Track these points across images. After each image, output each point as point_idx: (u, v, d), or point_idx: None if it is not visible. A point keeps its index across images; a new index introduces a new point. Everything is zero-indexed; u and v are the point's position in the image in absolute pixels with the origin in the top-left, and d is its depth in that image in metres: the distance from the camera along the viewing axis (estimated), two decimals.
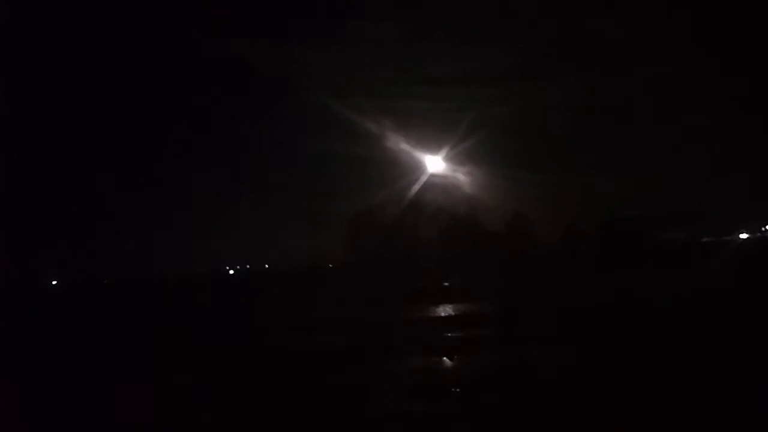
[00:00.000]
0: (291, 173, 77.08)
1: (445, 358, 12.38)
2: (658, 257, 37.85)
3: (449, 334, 15.77)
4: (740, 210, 55.83)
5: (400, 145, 41.87)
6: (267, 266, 68.41)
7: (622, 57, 63.62)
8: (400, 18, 63.17)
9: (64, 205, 74.68)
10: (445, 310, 21.42)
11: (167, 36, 62.72)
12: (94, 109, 73.24)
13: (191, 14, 59.32)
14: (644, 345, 11.64)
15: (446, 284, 33.92)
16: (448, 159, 42.39)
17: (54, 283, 65.32)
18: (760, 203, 54.88)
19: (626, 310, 17.06)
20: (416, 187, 42.95)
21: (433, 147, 44.85)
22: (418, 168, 42.90)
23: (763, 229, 56.91)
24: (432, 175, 43.31)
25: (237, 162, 77.96)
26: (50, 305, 41.42)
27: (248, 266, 71.71)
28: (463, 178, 43.90)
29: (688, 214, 50.06)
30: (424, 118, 59.38)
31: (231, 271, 72.68)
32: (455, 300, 23.91)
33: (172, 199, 78.11)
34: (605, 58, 63.22)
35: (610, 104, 65.63)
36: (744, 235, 54.46)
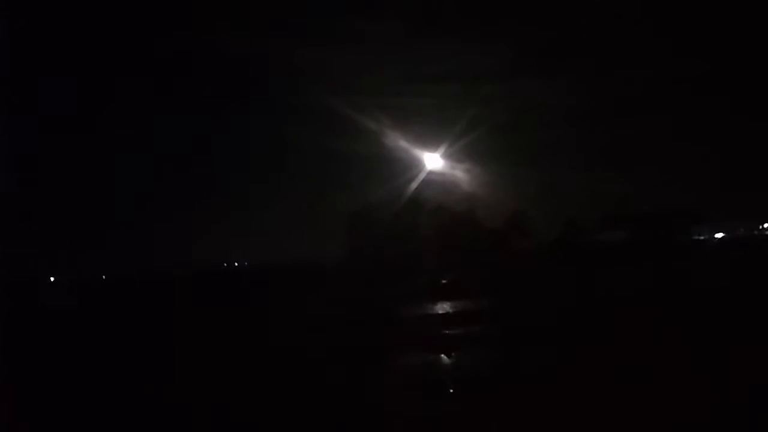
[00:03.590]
0: (289, 171, 76.99)
1: (443, 355, 12.41)
2: (657, 254, 37.96)
3: (447, 332, 15.79)
4: (739, 207, 55.94)
5: (399, 142, 41.74)
6: (265, 263, 68.32)
7: (621, 55, 63.64)
8: (399, 15, 63.09)
9: (64, 202, 74.54)
10: (443, 308, 21.43)
11: (167, 36, 62.59)
12: (94, 108, 73.16)
13: (190, 13, 59.09)
14: (641, 343, 11.66)
15: (444, 281, 33.93)
16: (447, 156, 42.24)
17: (52, 279, 65.17)
18: (758, 201, 54.95)
19: (624, 308, 17.08)
20: (415, 185, 42.88)
21: (431, 144, 44.82)
22: (416, 165, 42.77)
23: (761, 226, 56.93)
24: (431, 173, 43.21)
25: (236, 159, 77.96)
26: (49, 301, 41.42)
27: (246, 263, 71.65)
28: (461, 175, 43.78)
29: (686, 212, 50.19)
30: (423, 116, 59.35)
31: (228, 268, 72.61)
32: (454, 297, 23.91)
33: (171, 196, 78.21)
34: (604, 55, 63.21)
35: (609, 101, 65.60)
36: (727, 234, 54.33)
